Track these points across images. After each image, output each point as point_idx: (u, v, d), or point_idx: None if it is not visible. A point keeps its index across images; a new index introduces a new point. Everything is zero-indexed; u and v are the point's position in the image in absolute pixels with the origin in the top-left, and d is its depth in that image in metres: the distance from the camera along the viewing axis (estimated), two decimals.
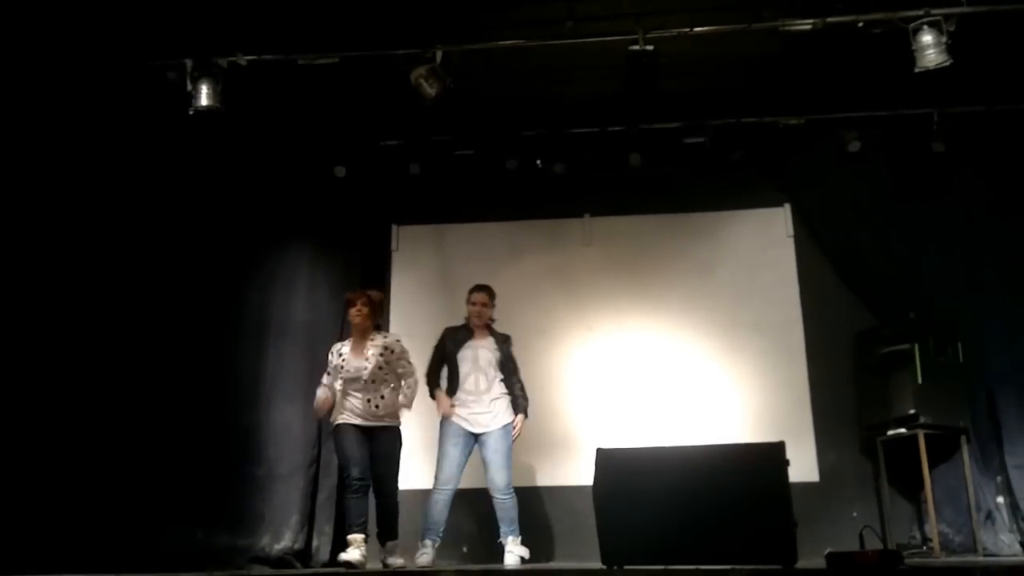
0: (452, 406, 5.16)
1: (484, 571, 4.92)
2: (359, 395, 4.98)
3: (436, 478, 5.10)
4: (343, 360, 5.01)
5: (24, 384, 5.73)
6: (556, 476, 5.92)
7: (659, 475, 3.94)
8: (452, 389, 5.23)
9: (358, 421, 4.97)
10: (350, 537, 4.81)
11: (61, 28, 5.03)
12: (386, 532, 5.00)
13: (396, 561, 4.97)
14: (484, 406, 5.15)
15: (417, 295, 6.45)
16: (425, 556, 4.97)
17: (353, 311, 5.04)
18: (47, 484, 5.60)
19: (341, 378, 5.00)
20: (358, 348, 5.04)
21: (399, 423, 5.11)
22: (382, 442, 4.99)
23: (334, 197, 6.34)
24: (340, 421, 5.01)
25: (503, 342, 5.30)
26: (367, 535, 4.86)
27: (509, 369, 5.27)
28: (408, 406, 5.14)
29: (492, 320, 5.37)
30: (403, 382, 5.10)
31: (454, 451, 5.09)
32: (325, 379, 5.09)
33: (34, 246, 5.98)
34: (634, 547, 3.84)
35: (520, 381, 5.30)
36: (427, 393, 5.30)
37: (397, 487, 5.06)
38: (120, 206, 6.19)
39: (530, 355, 5.70)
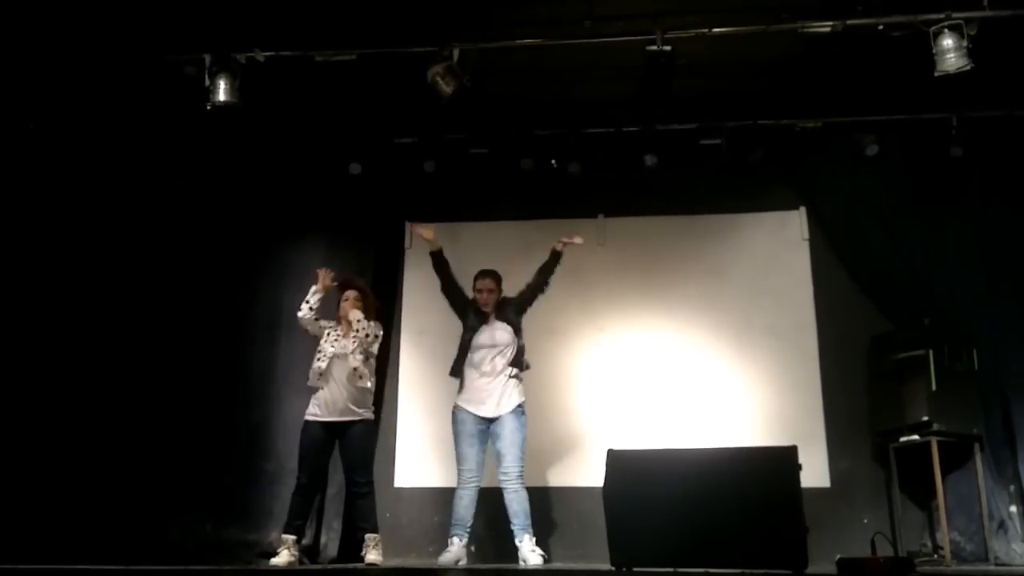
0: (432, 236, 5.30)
1: (495, 570, 4.91)
2: (337, 378, 4.95)
3: (458, 475, 5.06)
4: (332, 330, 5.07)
5: (37, 377, 5.79)
6: (566, 476, 5.91)
7: (670, 477, 3.93)
8: (464, 370, 5.17)
9: (330, 416, 4.94)
10: (283, 537, 4.86)
11: (80, 22, 5.07)
12: (363, 525, 4.96)
13: (372, 557, 4.86)
14: (496, 386, 5.07)
15: (430, 293, 6.38)
16: (448, 555, 4.91)
17: (350, 302, 5.08)
18: (59, 476, 5.66)
19: (327, 351, 4.99)
20: (344, 330, 5.09)
21: (372, 416, 5.10)
22: (355, 434, 4.96)
23: (348, 194, 6.35)
24: (308, 418, 5.00)
25: (511, 312, 5.23)
26: (300, 537, 4.92)
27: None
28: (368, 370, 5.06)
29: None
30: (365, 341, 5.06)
31: (470, 451, 5.04)
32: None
33: (53, 239, 6.05)
34: (644, 549, 3.84)
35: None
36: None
37: (371, 477, 5.06)
38: (136, 199, 6.24)
39: (541, 355, 5.68)
